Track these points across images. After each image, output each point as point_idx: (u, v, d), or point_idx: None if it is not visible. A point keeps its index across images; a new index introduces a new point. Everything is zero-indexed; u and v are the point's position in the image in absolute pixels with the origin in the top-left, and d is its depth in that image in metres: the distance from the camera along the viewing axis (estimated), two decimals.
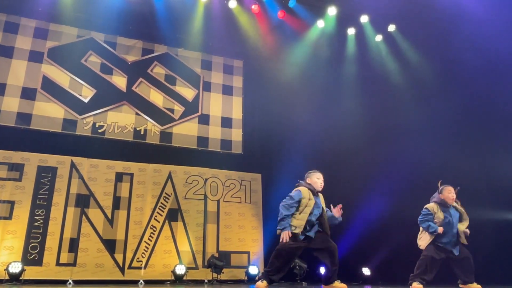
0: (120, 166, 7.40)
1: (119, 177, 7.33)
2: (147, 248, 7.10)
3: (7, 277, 5.99)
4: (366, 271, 8.07)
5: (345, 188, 8.24)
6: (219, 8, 8.14)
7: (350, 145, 8.50)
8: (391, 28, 8.81)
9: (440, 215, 5.22)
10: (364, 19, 8.66)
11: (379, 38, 9.00)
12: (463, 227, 5.22)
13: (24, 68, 7.26)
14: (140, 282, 6.78)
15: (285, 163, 8.19)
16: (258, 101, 8.70)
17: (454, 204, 5.32)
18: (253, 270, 7.40)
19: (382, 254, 7.89)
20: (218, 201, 7.89)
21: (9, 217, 6.44)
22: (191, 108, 8.29)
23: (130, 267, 6.88)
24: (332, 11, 8.37)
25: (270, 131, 8.53)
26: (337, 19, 8.59)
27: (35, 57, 7.38)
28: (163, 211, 7.41)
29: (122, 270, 6.82)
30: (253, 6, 8.15)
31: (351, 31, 8.95)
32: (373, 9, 8.36)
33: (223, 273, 7.12)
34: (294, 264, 7.42)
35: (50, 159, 6.99)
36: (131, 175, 7.42)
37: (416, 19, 8.32)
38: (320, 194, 4.74)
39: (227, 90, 8.73)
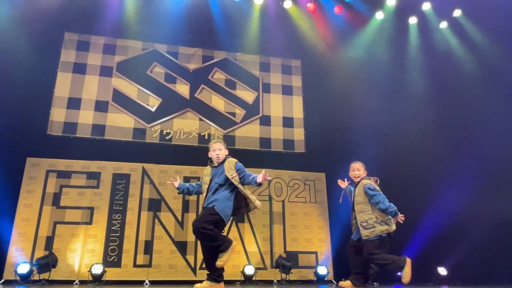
0: (187, 170, 7.67)
1: (186, 181, 7.58)
2: None
3: (90, 278, 6.44)
4: (442, 270, 7.70)
5: (415, 185, 7.91)
6: (274, 9, 8.20)
7: (418, 140, 8.13)
8: (457, 13, 8.33)
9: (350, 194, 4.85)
10: (426, 6, 8.27)
11: (443, 25, 8.55)
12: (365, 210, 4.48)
13: (96, 82, 7.79)
14: None
15: (349, 161, 7.94)
16: (319, 99, 8.58)
17: (365, 182, 4.62)
18: (322, 270, 7.32)
19: (459, 252, 7.47)
20: (283, 201, 7.90)
21: (89, 222, 6.93)
22: (252, 110, 8.40)
23: (201, 268, 7.07)
24: (391, 1, 8.09)
25: (332, 128, 8.38)
26: (396, 9, 8.28)
27: (105, 71, 7.90)
28: None
29: (194, 270, 7.06)
30: (308, 4, 8.10)
31: (412, 20, 8.59)
32: None
33: (291, 273, 7.12)
34: None
35: (124, 167, 7.42)
36: (198, 178, 7.66)
37: (484, 0, 7.79)
38: None
39: (287, 90, 8.73)
